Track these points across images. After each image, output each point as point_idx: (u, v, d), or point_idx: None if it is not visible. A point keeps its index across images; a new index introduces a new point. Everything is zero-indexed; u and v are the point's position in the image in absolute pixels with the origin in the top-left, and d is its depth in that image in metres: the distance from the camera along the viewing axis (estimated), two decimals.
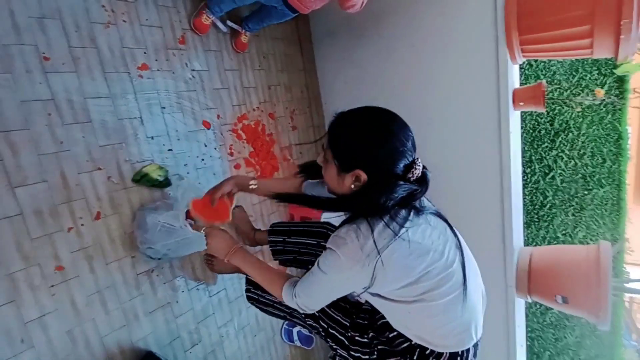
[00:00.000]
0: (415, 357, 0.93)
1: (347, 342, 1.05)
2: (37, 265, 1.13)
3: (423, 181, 0.88)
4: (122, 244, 1.31)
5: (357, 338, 1.03)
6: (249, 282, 1.30)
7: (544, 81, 1.48)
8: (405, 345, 0.95)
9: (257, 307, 1.29)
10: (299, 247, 1.31)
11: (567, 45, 1.39)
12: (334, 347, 1.09)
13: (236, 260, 1.08)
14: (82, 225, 1.22)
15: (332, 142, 0.88)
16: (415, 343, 0.93)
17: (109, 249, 1.28)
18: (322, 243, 1.26)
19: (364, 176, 0.84)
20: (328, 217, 1.62)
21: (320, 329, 1.11)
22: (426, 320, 0.89)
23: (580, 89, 2.97)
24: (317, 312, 1.08)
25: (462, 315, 0.88)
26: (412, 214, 0.85)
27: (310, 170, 1.13)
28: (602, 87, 3.07)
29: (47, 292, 1.14)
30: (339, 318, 1.08)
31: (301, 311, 0.97)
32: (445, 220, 0.94)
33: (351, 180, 0.86)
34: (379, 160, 0.84)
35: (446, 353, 0.91)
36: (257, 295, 1.28)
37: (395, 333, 0.97)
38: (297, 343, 1.96)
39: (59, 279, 1.17)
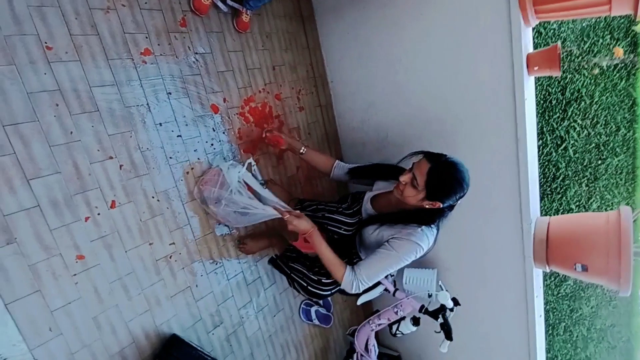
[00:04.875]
0: None
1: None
2: (58, 255, 1.14)
3: (453, 208, 1.32)
4: (139, 231, 1.32)
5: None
6: (277, 256, 1.71)
7: (559, 43, 1.42)
8: None
9: (276, 264, 1.68)
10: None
11: (583, 3, 1.32)
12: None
13: (313, 239, 1.35)
14: (98, 214, 1.23)
15: (431, 183, 1.21)
16: None
17: (126, 236, 1.29)
18: (326, 215, 1.53)
19: (440, 205, 1.25)
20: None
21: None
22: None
23: (592, 55, 2.86)
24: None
25: None
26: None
27: (382, 172, 1.50)
28: (609, 54, 2.96)
29: (70, 280, 1.17)
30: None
31: (353, 290, 1.31)
32: None
33: (429, 204, 1.25)
34: (454, 200, 1.25)
35: None
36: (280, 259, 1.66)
37: None
38: (316, 322, 1.99)
39: (80, 268, 1.19)
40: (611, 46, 3.00)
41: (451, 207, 1.30)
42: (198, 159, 1.50)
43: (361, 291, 1.33)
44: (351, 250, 1.48)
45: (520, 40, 1.39)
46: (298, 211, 1.42)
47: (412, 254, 1.29)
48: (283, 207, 1.41)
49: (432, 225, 1.30)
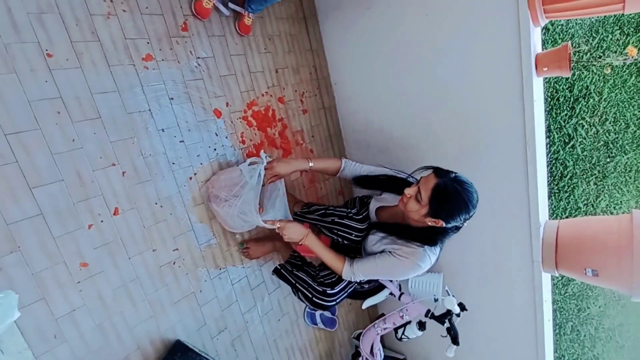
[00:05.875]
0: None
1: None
2: (62, 263, 1.14)
3: (458, 229, 1.27)
4: (142, 238, 1.32)
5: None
6: (281, 265, 1.67)
7: (569, 43, 1.38)
8: None
9: (280, 274, 1.65)
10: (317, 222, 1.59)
11: (594, 2, 1.28)
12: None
13: (310, 241, 1.39)
14: (101, 222, 1.23)
15: (435, 200, 1.19)
16: None
17: (130, 243, 1.29)
18: (336, 220, 1.51)
19: (442, 224, 1.21)
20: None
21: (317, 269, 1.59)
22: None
23: (602, 51, 2.80)
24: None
25: None
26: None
27: (367, 183, 1.51)
28: (623, 50, 2.88)
29: (74, 288, 1.17)
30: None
31: (352, 279, 1.40)
32: None
33: (431, 221, 1.22)
34: (457, 220, 1.20)
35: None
36: (284, 269, 1.63)
37: None
38: (321, 325, 1.98)
39: (84, 275, 1.19)
40: (621, 42, 2.93)
41: (457, 228, 1.26)
42: (201, 164, 1.49)
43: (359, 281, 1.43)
44: (356, 255, 1.46)
45: (529, 41, 1.35)
46: (286, 220, 1.41)
47: (410, 272, 1.30)
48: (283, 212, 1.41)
49: (436, 245, 1.29)
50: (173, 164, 1.41)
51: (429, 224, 1.23)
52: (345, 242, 1.45)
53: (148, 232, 1.34)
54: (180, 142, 1.43)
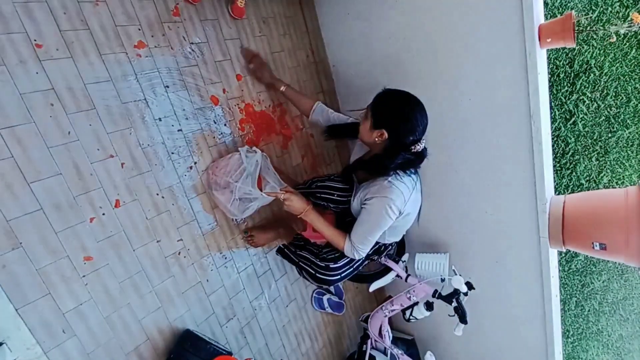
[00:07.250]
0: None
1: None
2: (65, 258, 1.13)
3: (421, 155, 1.29)
4: (145, 229, 1.31)
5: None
6: (285, 245, 1.70)
7: (572, 12, 1.33)
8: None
9: (284, 253, 1.68)
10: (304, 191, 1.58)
11: None
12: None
13: (310, 216, 1.40)
14: (103, 214, 1.21)
15: (375, 106, 1.26)
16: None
17: (133, 235, 1.28)
18: (318, 184, 1.54)
19: (386, 135, 1.23)
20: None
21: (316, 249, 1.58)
22: (391, 236, 1.49)
23: (602, 24, 2.74)
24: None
25: (404, 232, 1.54)
26: (414, 176, 1.33)
27: (338, 130, 1.55)
28: (625, 21, 2.82)
29: (80, 282, 1.16)
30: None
31: (356, 256, 1.38)
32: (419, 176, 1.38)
33: (377, 135, 1.25)
34: (399, 129, 1.22)
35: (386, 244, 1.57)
36: (287, 249, 1.66)
37: None
38: (328, 310, 1.99)
39: (89, 269, 1.18)
40: (621, 14, 2.87)
41: (406, 148, 1.24)
42: (201, 153, 1.47)
43: (365, 255, 1.40)
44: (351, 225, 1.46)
45: (531, 11, 1.31)
46: (291, 189, 1.43)
47: (388, 210, 1.27)
48: (281, 185, 1.44)
49: (401, 176, 1.27)
50: (172, 153, 1.38)
51: (376, 140, 1.25)
52: (331, 204, 1.46)
53: (151, 223, 1.32)
54: (179, 130, 1.40)
